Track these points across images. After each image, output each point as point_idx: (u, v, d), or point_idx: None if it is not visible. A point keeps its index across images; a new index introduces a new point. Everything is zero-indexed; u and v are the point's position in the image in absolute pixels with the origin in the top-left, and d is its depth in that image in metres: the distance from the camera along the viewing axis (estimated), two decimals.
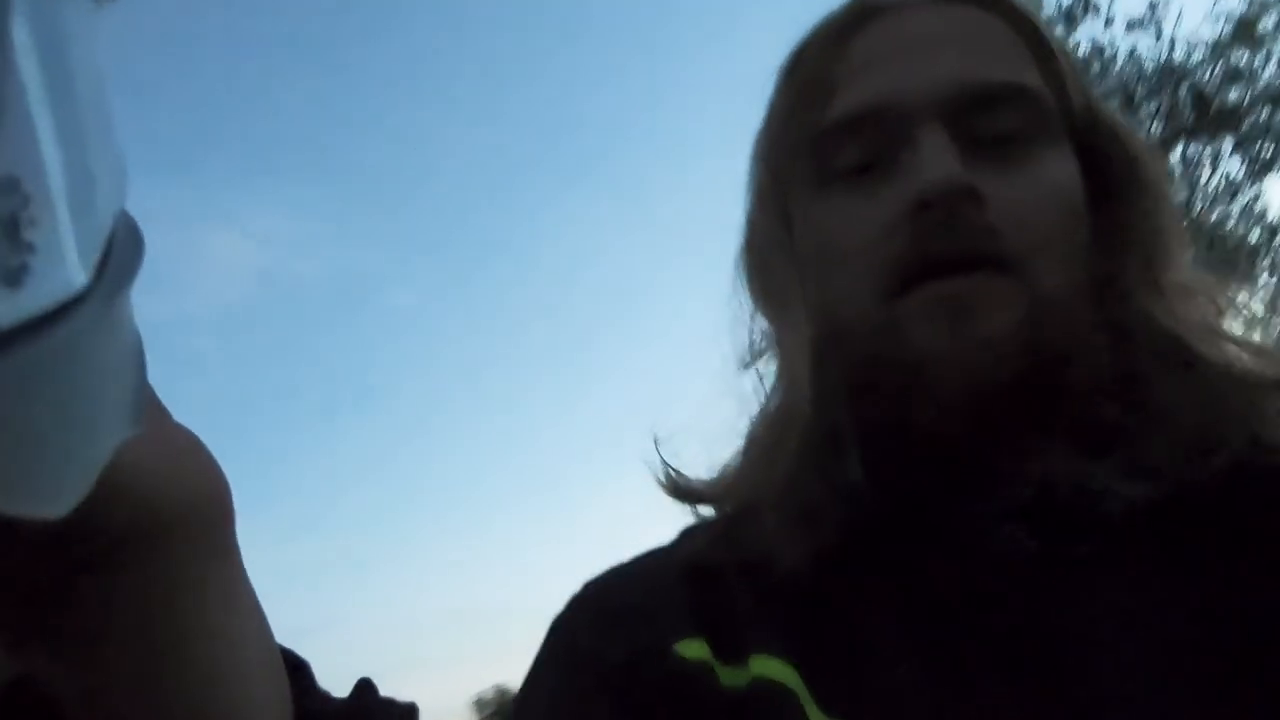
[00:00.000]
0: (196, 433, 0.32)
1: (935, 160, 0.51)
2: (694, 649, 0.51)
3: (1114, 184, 0.57)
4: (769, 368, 0.61)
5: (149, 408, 0.26)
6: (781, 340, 0.58)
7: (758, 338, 0.62)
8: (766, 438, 0.57)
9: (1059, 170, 0.54)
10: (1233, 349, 0.53)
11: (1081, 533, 0.48)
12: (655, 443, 0.60)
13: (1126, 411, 0.51)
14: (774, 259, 0.59)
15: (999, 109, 0.54)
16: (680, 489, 0.60)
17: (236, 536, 0.34)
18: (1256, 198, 8.19)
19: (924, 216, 0.50)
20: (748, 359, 0.62)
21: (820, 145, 0.56)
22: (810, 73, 0.59)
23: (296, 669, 0.39)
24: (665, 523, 0.61)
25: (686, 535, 0.60)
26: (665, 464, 0.61)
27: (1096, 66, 7.72)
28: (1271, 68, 7.99)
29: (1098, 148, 0.58)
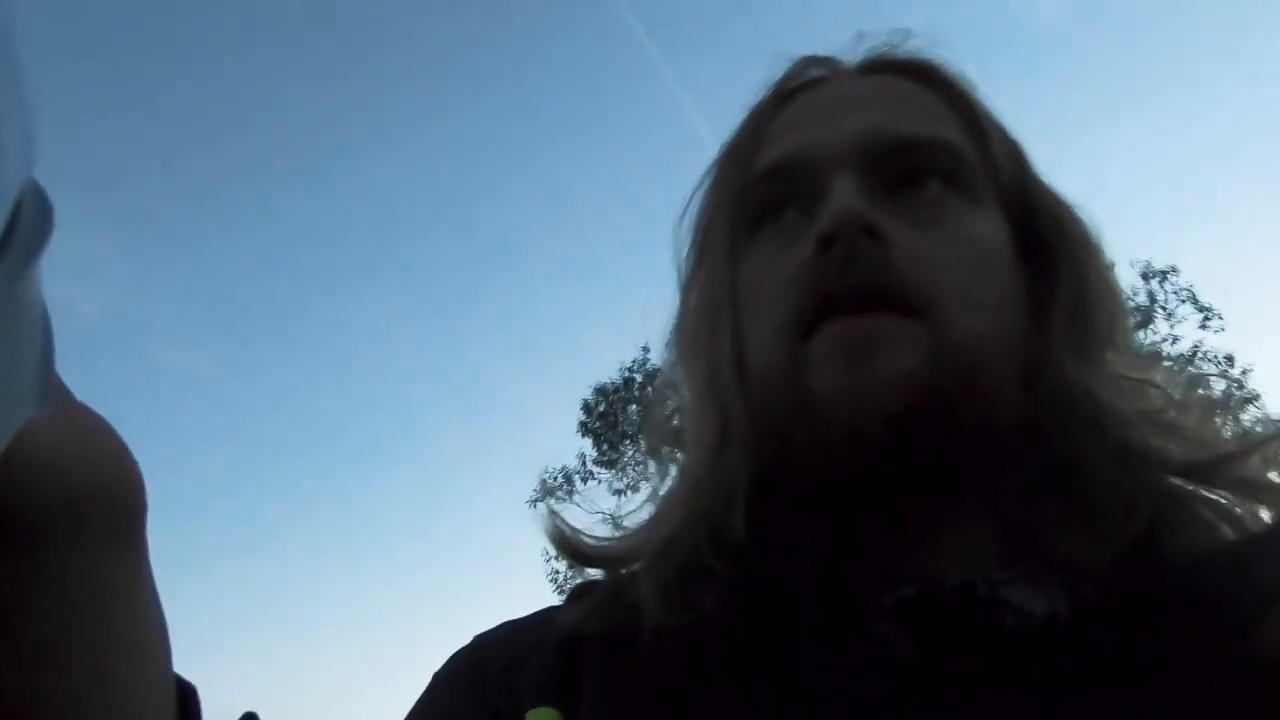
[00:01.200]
0: None
1: (838, 198, 0.52)
2: (542, 717, 0.50)
3: (1046, 251, 0.57)
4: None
5: (55, 387, 0.25)
6: (694, 391, 0.58)
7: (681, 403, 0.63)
8: (665, 497, 0.57)
9: (977, 226, 0.55)
10: (1161, 434, 0.52)
11: (968, 644, 0.46)
12: (544, 496, 0.60)
13: (1035, 494, 0.51)
14: (689, 315, 0.60)
15: (915, 162, 0.55)
16: (570, 548, 0.59)
17: (145, 529, 0.33)
18: None
19: (825, 256, 0.51)
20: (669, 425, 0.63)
21: (743, 199, 0.58)
22: (743, 135, 0.61)
23: (186, 694, 0.38)
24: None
25: (575, 596, 0.58)
26: (556, 520, 0.59)
27: None
28: None
29: (1033, 214, 0.58)
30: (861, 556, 0.49)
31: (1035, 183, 0.60)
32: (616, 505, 14.68)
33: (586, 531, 0.59)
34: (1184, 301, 11.94)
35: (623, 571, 0.57)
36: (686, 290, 0.62)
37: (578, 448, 14.93)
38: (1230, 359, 11.84)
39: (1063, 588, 0.47)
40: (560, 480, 14.60)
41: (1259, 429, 0.54)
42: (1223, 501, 0.50)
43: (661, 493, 0.60)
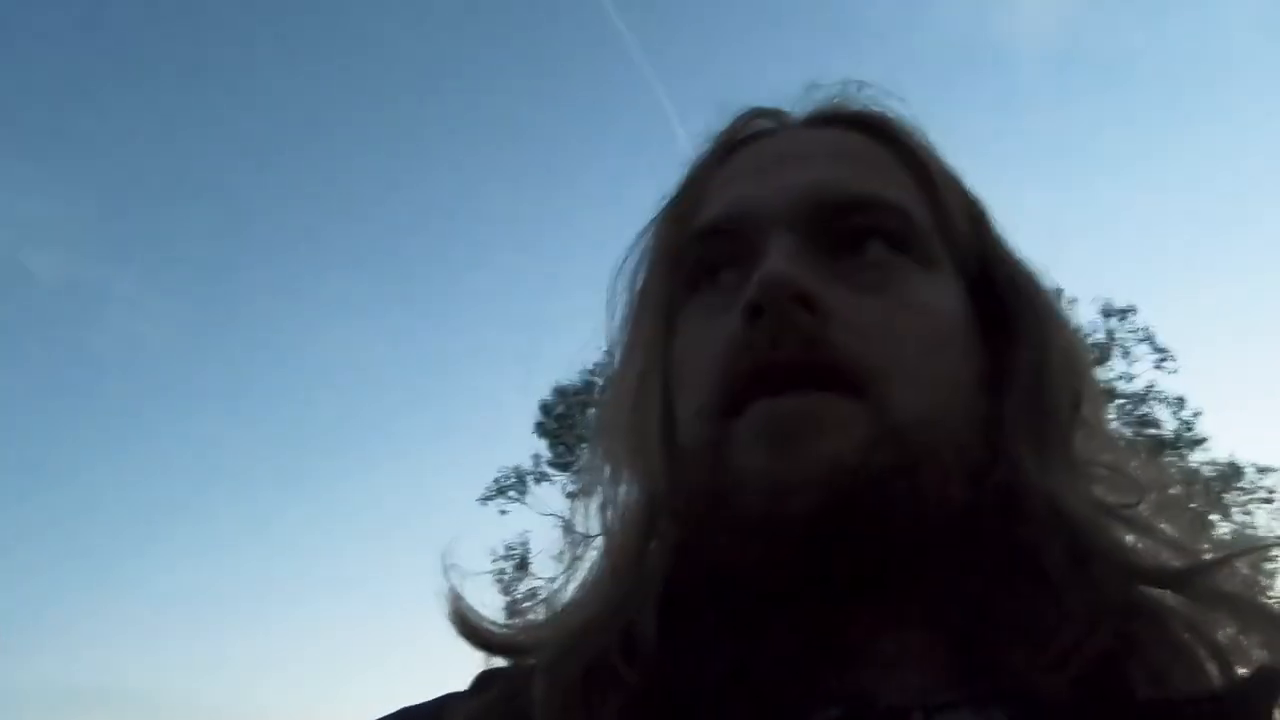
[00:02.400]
0: None
1: (770, 262, 0.47)
2: None
3: (1008, 322, 0.52)
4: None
5: None
6: (615, 476, 0.54)
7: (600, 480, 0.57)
8: (580, 585, 0.53)
9: (928, 293, 0.50)
10: (1132, 531, 0.47)
11: None
12: (447, 574, 0.54)
13: (982, 601, 0.45)
14: (615, 388, 0.56)
15: (858, 222, 0.50)
16: (473, 632, 0.53)
17: None
18: None
19: (756, 325, 0.46)
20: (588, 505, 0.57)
21: (679, 259, 0.54)
22: (684, 190, 0.57)
23: None
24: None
25: (477, 687, 0.54)
26: (459, 604, 0.54)
27: None
28: None
29: (995, 283, 0.53)
30: (783, 667, 0.44)
31: (995, 246, 0.55)
32: (569, 508, 14.64)
33: (495, 620, 0.54)
34: (1141, 341, 12.18)
35: (529, 663, 0.51)
36: (616, 356, 0.58)
37: (533, 448, 14.87)
38: (1181, 400, 12.11)
39: (1010, 717, 0.42)
40: (513, 480, 14.54)
41: (1235, 537, 0.48)
42: (1199, 619, 0.45)
43: (576, 574, 0.55)
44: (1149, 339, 12.20)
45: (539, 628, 0.52)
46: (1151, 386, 11.83)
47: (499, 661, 0.54)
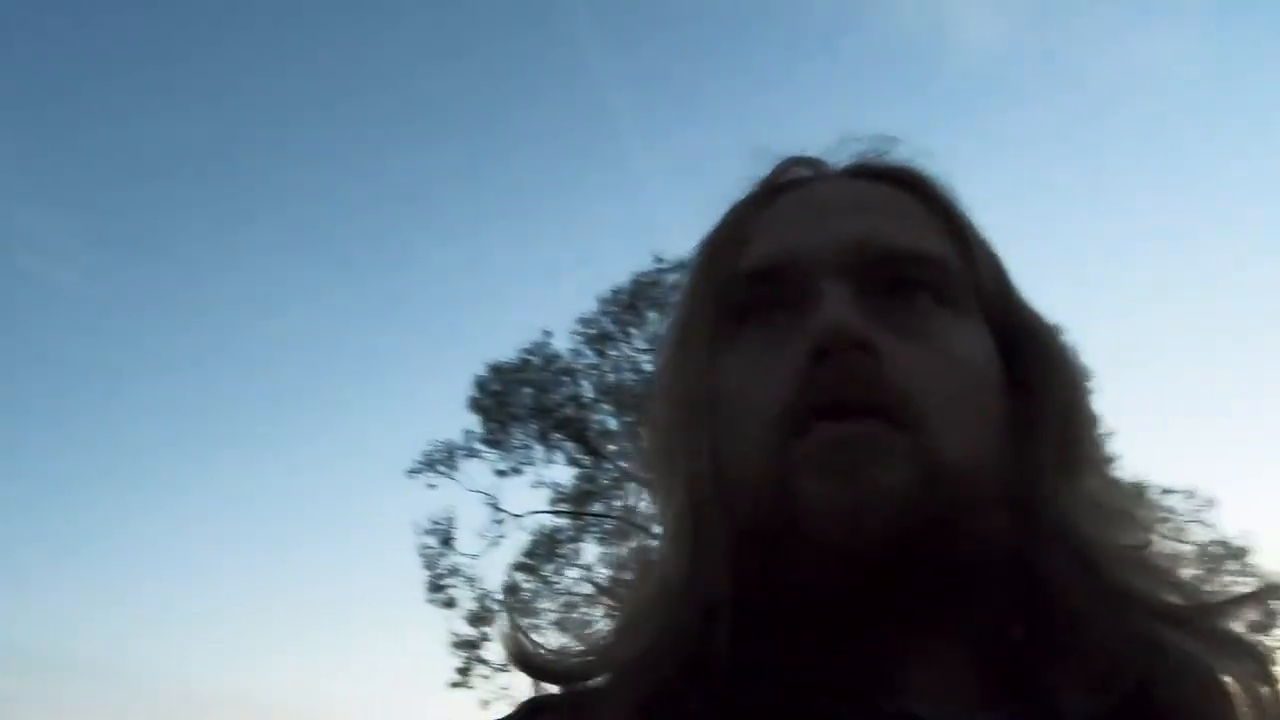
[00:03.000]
0: None
1: (833, 310, 0.50)
2: None
3: (1031, 371, 0.56)
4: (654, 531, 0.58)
5: None
6: (669, 499, 0.55)
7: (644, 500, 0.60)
8: (631, 607, 0.53)
9: (966, 341, 0.53)
10: (1144, 573, 0.51)
11: None
12: (506, 601, 0.55)
13: (1019, 628, 0.49)
14: (667, 415, 0.57)
15: (904, 273, 0.54)
16: (528, 662, 0.55)
17: None
18: None
19: (820, 367, 0.49)
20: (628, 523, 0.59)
21: (727, 298, 0.56)
22: (727, 231, 0.59)
23: None
24: None
25: (527, 713, 0.54)
26: (516, 628, 0.55)
27: None
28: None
29: (1014, 331, 0.57)
30: (837, 686, 0.47)
31: (1017, 300, 0.59)
32: (498, 486, 14.49)
33: (547, 646, 0.55)
34: None
35: (583, 687, 0.54)
36: (664, 383, 0.59)
37: (465, 423, 14.72)
38: (1101, 435, 12.50)
39: None
40: (444, 454, 14.37)
41: (1238, 581, 0.53)
42: (1212, 657, 0.49)
43: (629, 595, 0.57)
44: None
45: (596, 652, 0.54)
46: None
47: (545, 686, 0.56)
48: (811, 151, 0.63)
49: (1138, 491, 0.56)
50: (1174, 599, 0.50)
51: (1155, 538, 0.53)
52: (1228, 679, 0.49)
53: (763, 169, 0.63)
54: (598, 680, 0.54)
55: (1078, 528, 0.51)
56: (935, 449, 0.48)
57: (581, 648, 0.55)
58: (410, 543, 14.46)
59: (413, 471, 14.41)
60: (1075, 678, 0.47)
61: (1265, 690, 0.48)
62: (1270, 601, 0.51)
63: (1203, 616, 0.49)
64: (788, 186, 0.61)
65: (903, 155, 0.61)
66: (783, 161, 0.63)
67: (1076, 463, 0.54)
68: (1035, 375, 0.56)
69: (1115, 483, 0.57)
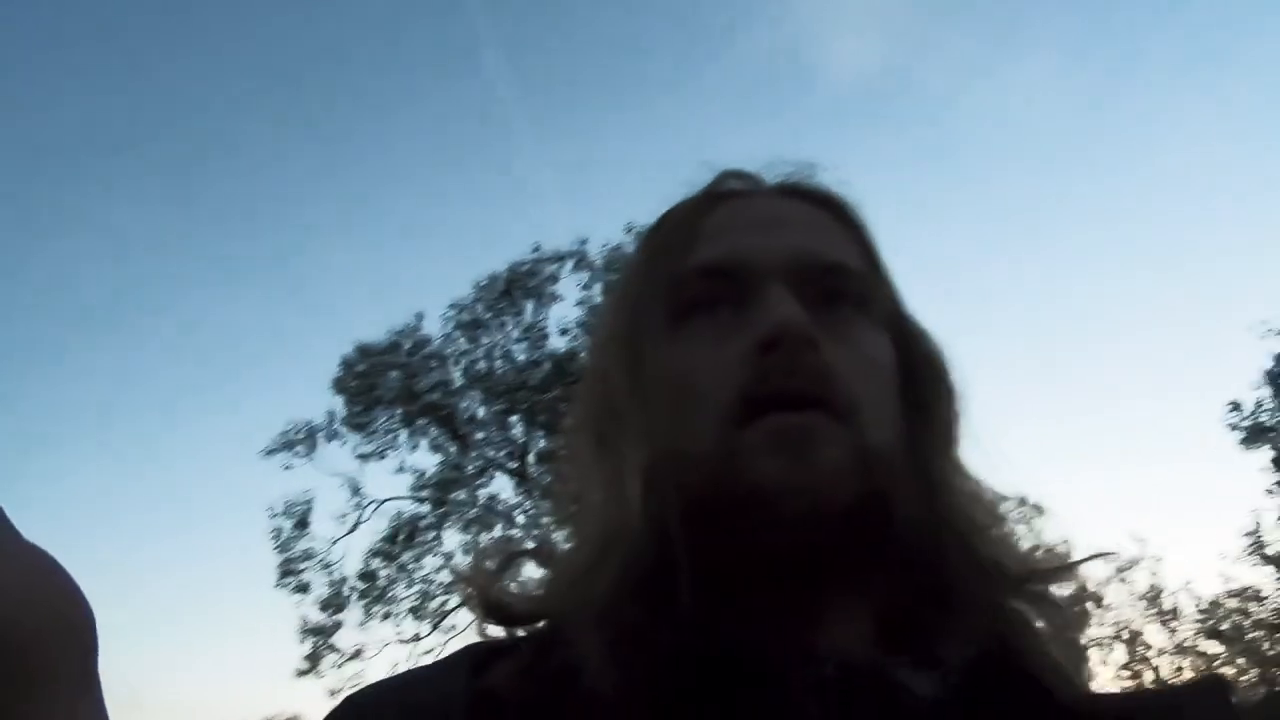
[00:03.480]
0: None
1: (783, 307, 0.58)
2: None
3: (917, 371, 0.66)
4: (586, 494, 0.63)
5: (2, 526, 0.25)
6: (611, 468, 0.60)
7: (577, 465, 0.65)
8: (583, 559, 0.58)
9: (877, 345, 0.63)
10: (992, 544, 0.61)
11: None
12: (283, 448, 0.59)
13: (910, 587, 0.59)
14: (616, 391, 0.62)
15: (832, 284, 0.62)
16: (495, 607, 0.60)
17: (98, 670, 0.31)
18: None
19: (769, 356, 0.57)
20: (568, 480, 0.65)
21: (676, 291, 0.63)
22: (672, 232, 0.67)
23: None
24: None
25: (472, 655, 0.59)
26: (484, 576, 0.60)
27: None
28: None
29: (907, 339, 0.67)
30: (784, 634, 0.54)
31: (908, 313, 0.70)
32: (359, 469, 14.09)
33: (507, 588, 0.60)
34: None
35: (534, 630, 0.58)
36: (612, 361, 0.64)
37: (329, 404, 14.24)
38: (968, 434, 13.40)
39: (934, 675, 0.55)
40: (303, 435, 13.85)
41: (1058, 548, 0.63)
42: (1053, 620, 0.60)
43: (572, 548, 0.62)
44: None
45: (558, 598, 0.59)
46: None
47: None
48: (739, 165, 0.71)
49: (990, 484, 0.66)
50: (1016, 568, 0.60)
51: (1005, 517, 0.64)
52: (1051, 631, 0.59)
53: (698, 175, 0.71)
54: (544, 625, 0.59)
55: (957, 507, 0.60)
56: (865, 435, 0.56)
57: (539, 593, 0.60)
58: (263, 525, 13.91)
59: (269, 451, 13.82)
60: (951, 631, 0.56)
61: (1070, 637, 0.60)
62: (1082, 570, 0.62)
63: (1036, 583, 0.60)
64: (727, 196, 0.68)
65: (824, 179, 0.70)
66: (721, 173, 0.71)
67: (953, 453, 0.64)
68: (923, 379, 0.65)
69: (977, 471, 0.66)
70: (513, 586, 0.62)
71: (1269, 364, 16.59)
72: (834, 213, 0.68)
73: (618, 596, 0.54)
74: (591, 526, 0.60)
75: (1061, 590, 0.61)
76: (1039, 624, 0.60)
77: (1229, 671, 16.99)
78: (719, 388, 0.57)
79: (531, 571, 0.63)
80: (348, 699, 0.59)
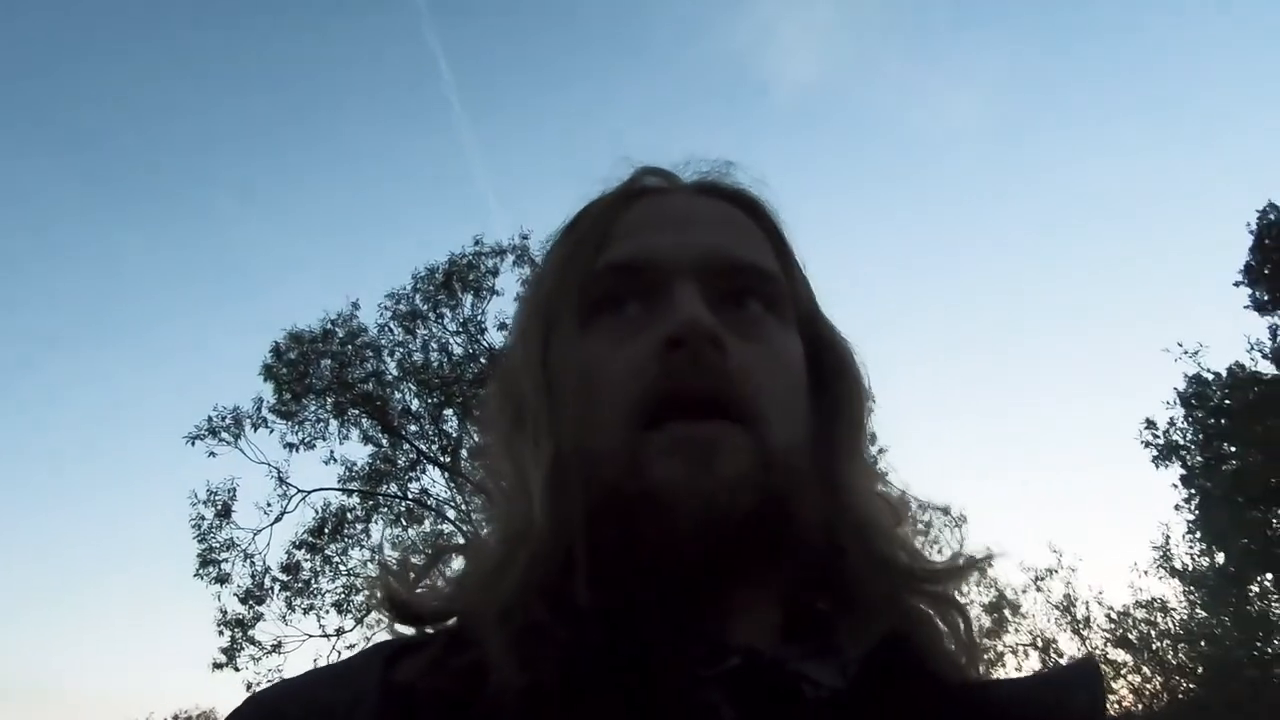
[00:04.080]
0: None
1: (688, 306, 0.58)
2: None
3: (828, 373, 0.67)
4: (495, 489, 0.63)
5: None
6: (518, 465, 0.60)
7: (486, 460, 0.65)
8: (491, 556, 0.58)
9: (788, 346, 0.63)
10: (891, 543, 0.63)
11: (779, 711, 0.53)
12: (208, 434, 0.58)
13: (812, 582, 0.60)
14: (525, 386, 0.62)
15: (744, 283, 0.63)
16: (402, 606, 0.59)
17: None
18: None
19: (674, 354, 0.57)
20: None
21: (587, 288, 0.63)
22: (585, 229, 0.66)
23: None
24: None
25: (384, 653, 0.58)
26: (389, 579, 0.60)
27: None
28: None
29: (818, 340, 0.68)
30: (690, 630, 0.55)
31: (821, 314, 0.71)
32: (287, 459, 13.77)
33: (413, 588, 0.60)
34: None
35: (442, 628, 0.58)
36: (522, 356, 0.64)
37: (256, 390, 13.89)
38: (873, 437, 13.72)
39: (836, 666, 0.57)
40: (229, 422, 13.48)
41: (960, 552, 0.65)
42: (946, 615, 0.62)
43: (482, 544, 0.61)
44: None
45: (465, 596, 0.58)
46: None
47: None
48: (660, 163, 0.71)
49: (892, 483, 0.68)
50: (915, 567, 0.62)
51: (906, 517, 0.66)
52: (945, 625, 0.62)
53: (617, 172, 0.70)
54: (453, 623, 0.58)
55: (859, 507, 0.61)
56: (767, 439, 0.56)
57: (447, 591, 0.60)
58: (183, 513, 13.50)
59: (192, 437, 13.41)
60: (851, 624, 0.58)
61: (965, 633, 0.62)
62: (978, 571, 0.64)
63: (932, 581, 0.62)
64: (643, 193, 0.68)
65: (741, 179, 0.71)
66: (638, 170, 0.70)
67: (859, 454, 0.65)
68: (833, 380, 0.66)
69: (881, 472, 0.68)
70: (424, 584, 0.61)
71: (1183, 385, 17.33)
72: (749, 212, 0.69)
73: (523, 594, 0.54)
74: (500, 523, 0.60)
75: (957, 589, 0.63)
76: (935, 620, 0.62)
77: (1135, 679, 17.71)
78: (625, 385, 0.58)
79: (446, 567, 0.63)
80: (252, 697, 0.58)
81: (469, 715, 0.51)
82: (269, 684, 0.61)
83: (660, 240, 0.63)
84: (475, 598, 0.56)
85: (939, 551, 0.66)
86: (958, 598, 0.63)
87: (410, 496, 14.11)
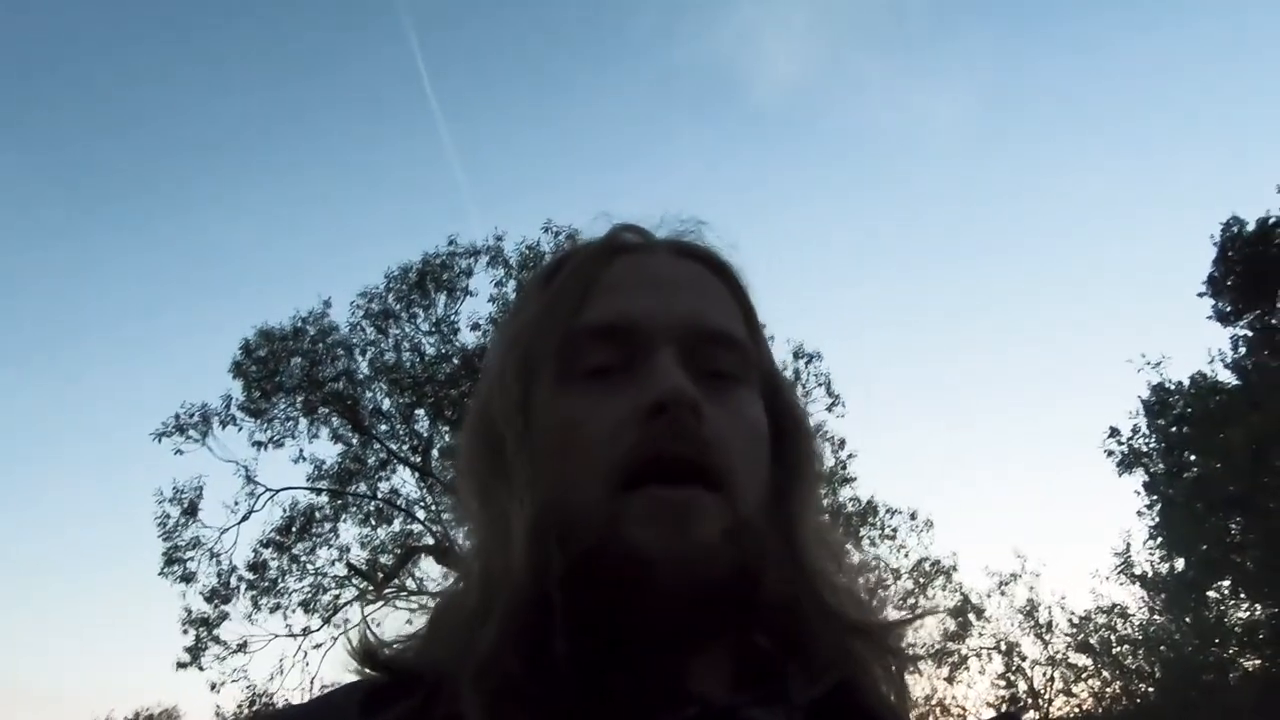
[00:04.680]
0: None
1: (672, 374, 0.61)
2: None
3: (786, 435, 0.70)
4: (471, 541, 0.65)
5: None
6: (496, 515, 0.62)
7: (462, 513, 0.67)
8: (468, 606, 0.60)
9: (754, 411, 0.67)
10: (841, 597, 0.66)
11: None
12: (175, 431, 0.59)
13: (764, 634, 0.63)
14: (505, 440, 0.64)
15: (718, 350, 0.66)
16: (372, 655, 0.62)
17: None
18: None
19: (656, 420, 0.59)
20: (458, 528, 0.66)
21: (568, 345, 0.65)
22: (566, 284, 0.68)
23: None
24: None
25: (359, 696, 0.60)
26: (366, 633, 0.62)
27: None
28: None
29: (777, 402, 0.71)
30: (652, 682, 0.58)
31: (780, 376, 0.74)
32: (255, 457, 13.64)
33: (388, 639, 0.62)
34: (820, 385, 13.74)
35: (419, 676, 0.60)
36: (500, 407, 0.66)
37: (225, 387, 13.74)
38: (843, 442, 13.95)
39: (783, 712, 0.60)
40: (197, 419, 13.33)
41: (909, 606, 0.69)
42: (888, 664, 0.66)
43: (460, 594, 0.63)
44: (827, 384, 13.80)
45: (440, 650, 0.60)
46: (821, 426, 13.31)
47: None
48: (634, 218, 0.74)
49: (834, 524, 0.72)
50: (864, 619, 0.66)
51: (856, 570, 0.70)
52: (890, 674, 0.65)
53: (595, 226, 0.74)
54: (430, 671, 0.59)
55: (812, 564, 0.65)
56: (737, 505, 0.59)
57: (424, 638, 0.62)
58: (149, 511, 13.34)
59: (159, 435, 13.25)
60: (801, 673, 0.61)
61: (904, 681, 0.65)
62: (923, 623, 0.69)
63: (880, 633, 0.65)
64: (623, 249, 0.71)
65: (712, 240, 0.74)
66: (615, 226, 0.73)
67: (814, 512, 0.68)
68: (790, 442, 0.69)
69: (834, 528, 0.72)
70: (399, 636, 0.63)
71: (1146, 395, 17.61)
72: (722, 277, 0.72)
73: (499, 647, 0.56)
74: (476, 574, 0.62)
75: (898, 639, 0.67)
76: (877, 667, 0.65)
77: (1095, 684, 17.98)
78: (606, 446, 0.60)
79: (418, 619, 0.65)
80: None
81: None
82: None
83: (642, 303, 0.66)
84: (452, 648, 0.58)
85: (884, 601, 0.69)
86: (901, 647, 0.67)
87: (380, 496, 14.04)
